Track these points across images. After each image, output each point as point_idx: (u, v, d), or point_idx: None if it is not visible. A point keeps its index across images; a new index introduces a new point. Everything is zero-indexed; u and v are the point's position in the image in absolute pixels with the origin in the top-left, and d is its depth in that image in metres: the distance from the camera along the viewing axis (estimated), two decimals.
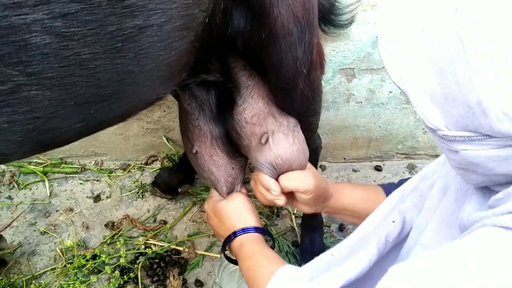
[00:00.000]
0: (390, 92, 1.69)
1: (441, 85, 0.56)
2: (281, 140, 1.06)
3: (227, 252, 1.11)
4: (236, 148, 1.14)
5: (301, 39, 0.90)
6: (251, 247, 1.00)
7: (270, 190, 1.07)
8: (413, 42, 0.59)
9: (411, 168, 1.90)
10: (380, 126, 1.81)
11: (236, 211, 1.09)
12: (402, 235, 0.96)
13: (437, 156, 1.82)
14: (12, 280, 1.39)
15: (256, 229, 1.06)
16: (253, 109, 1.05)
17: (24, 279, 1.41)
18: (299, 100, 1.03)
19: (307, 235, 1.55)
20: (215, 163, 1.13)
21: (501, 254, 0.55)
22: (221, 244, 1.09)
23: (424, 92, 0.59)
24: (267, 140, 1.06)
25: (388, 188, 1.13)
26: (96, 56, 0.66)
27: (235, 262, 1.10)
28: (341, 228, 1.64)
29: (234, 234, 1.05)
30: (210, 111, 1.09)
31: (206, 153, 1.12)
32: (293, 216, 1.66)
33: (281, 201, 1.08)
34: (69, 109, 0.70)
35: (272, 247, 1.07)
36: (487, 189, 0.70)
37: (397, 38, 0.61)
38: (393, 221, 0.95)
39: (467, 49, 0.52)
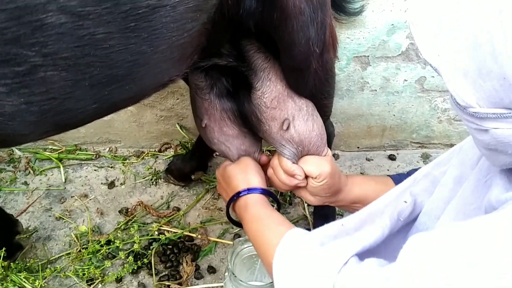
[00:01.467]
0: (405, 80, 1.67)
1: (476, 58, 0.55)
2: (302, 125, 1.06)
3: (232, 214, 1.11)
4: (247, 122, 1.13)
5: (313, 18, 0.90)
6: (257, 208, 1.00)
7: (295, 175, 1.07)
8: (447, 15, 0.58)
9: (426, 158, 1.88)
10: (394, 115, 1.79)
11: (242, 173, 1.09)
12: (412, 216, 0.96)
13: (452, 145, 1.79)
14: (28, 264, 1.41)
15: (261, 190, 1.06)
16: (272, 92, 1.05)
17: (40, 263, 1.43)
18: (312, 81, 1.03)
19: (319, 224, 1.54)
20: (225, 133, 1.12)
21: None
22: (226, 206, 1.09)
23: (457, 67, 0.58)
24: (288, 126, 1.05)
25: (398, 179, 1.13)
26: (111, 36, 0.66)
27: (238, 224, 1.09)
28: None
29: (238, 194, 1.05)
30: (223, 88, 1.08)
31: (215, 125, 1.11)
32: (305, 205, 1.66)
33: (304, 183, 1.09)
34: (84, 90, 0.70)
35: (278, 210, 1.07)
36: (511, 173, 0.69)
37: (430, 13, 0.60)
38: (405, 201, 0.95)
39: (505, 19, 0.51)
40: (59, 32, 0.62)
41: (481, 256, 0.56)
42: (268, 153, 1.80)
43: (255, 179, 1.08)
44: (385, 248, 0.85)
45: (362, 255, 0.75)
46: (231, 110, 1.10)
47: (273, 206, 1.08)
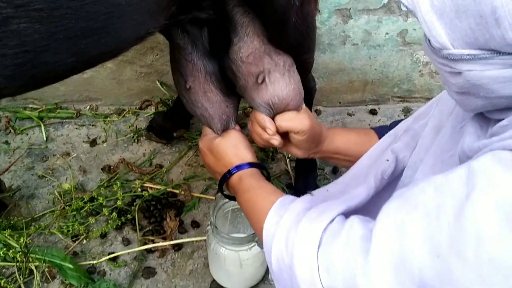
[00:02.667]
0: (387, 33, 1.66)
1: None
2: (278, 80, 1.06)
3: (225, 192, 1.12)
4: (229, 87, 1.13)
5: None
6: (249, 180, 1.01)
7: (265, 128, 1.08)
8: None
9: (407, 111, 1.90)
10: (376, 69, 1.79)
11: (233, 148, 1.09)
12: (395, 173, 0.98)
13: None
14: (12, 222, 1.42)
15: (252, 165, 1.07)
16: (249, 47, 1.04)
17: (24, 221, 1.44)
18: (292, 35, 1.02)
19: (301, 178, 1.57)
20: (209, 99, 1.11)
21: None
22: (217, 185, 1.11)
23: (433, 6, 0.58)
24: (263, 80, 1.05)
25: (380, 131, 1.14)
26: None
27: (232, 198, 1.11)
28: (335, 170, 1.66)
29: (230, 173, 1.06)
30: (203, 46, 1.06)
31: (200, 88, 1.10)
32: (287, 160, 1.67)
33: (276, 141, 1.09)
34: (59, 43, 0.69)
35: (268, 180, 1.08)
36: (484, 121, 0.70)
37: None
38: (387, 160, 0.97)
39: None
40: None
41: (453, 205, 0.58)
42: (251, 109, 1.80)
43: (247, 155, 1.09)
44: (372, 207, 0.88)
45: (348, 215, 0.77)
46: (214, 74, 1.09)
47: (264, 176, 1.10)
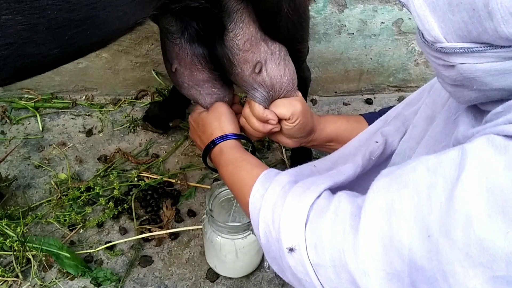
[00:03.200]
0: (382, 23, 1.66)
1: None
2: (274, 69, 1.06)
3: (209, 162, 1.12)
4: (217, 68, 1.12)
5: None
6: (232, 153, 1.01)
7: (268, 120, 1.08)
8: None
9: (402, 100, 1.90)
10: (371, 59, 1.79)
11: (216, 120, 1.10)
12: (384, 155, 0.98)
13: None
14: (9, 211, 1.42)
15: (235, 136, 1.07)
16: (245, 34, 1.03)
17: (21, 210, 1.44)
18: (285, 25, 1.02)
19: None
20: (196, 77, 1.11)
21: (506, 156, 0.55)
22: (202, 155, 1.10)
23: (426, 0, 0.59)
24: (260, 69, 1.05)
25: (370, 117, 1.15)
26: None
27: (217, 170, 1.11)
28: None
29: (213, 143, 1.06)
30: (193, 32, 1.06)
31: (186, 69, 1.10)
32: (283, 149, 1.68)
33: (278, 128, 1.10)
34: (42, 34, 0.69)
35: (253, 154, 1.09)
36: (478, 111, 0.71)
37: None
38: (376, 142, 0.97)
39: None
40: None
41: (444, 186, 0.58)
42: (245, 98, 1.80)
43: (230, 126, 1.09)
44: (359, 187, 0.88)
45: (335, 191, 0.77)
46: (202, 55, 1.08)
47: (247, 150, 1.10)
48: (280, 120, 1.10)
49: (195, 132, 1.15)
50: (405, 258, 0.60)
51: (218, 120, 1.10)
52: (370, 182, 0.70)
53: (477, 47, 0.58)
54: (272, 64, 1.05)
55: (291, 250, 0.71)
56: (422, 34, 0.64)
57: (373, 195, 0.66)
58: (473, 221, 0.54)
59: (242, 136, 1.09)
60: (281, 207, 0.76)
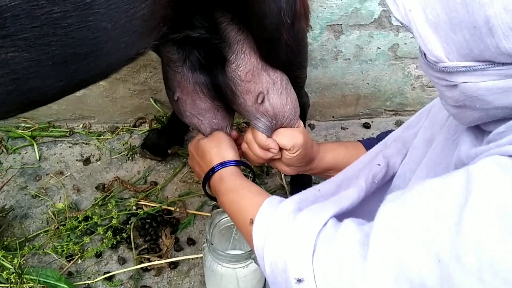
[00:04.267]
0: (378, 48, 1.68)
1: (447, 9, 0.57)
2: (276, 99, 1.07)
3: (208, 190, 1.11)
4: (222, 98, 1.13)
5: None
6: (232, 180, 1.00)
7: (270, 149, 1.08)
8: None
9: (399, 124, 1.90)
10: (368, 83, 1.81)
11: (215, 147, 1.09)
12: (386, 178, 0.98)
13: None
14: (5, 242, 1.40)
15: (235, 162, 1.06)
16: (247, 65, 1.04)
17: (17, 241, 1.42)
18: (284, 52, 1.03)
19: (296, 193, 1.56)
20: (198, 106, 1.11)
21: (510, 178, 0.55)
22: (201, 183, 1.10)
23: (427, 20, 0.59)
24: (263, 100, 1.06)
25: (368, 143, 1.16)
26: (68, 14, 0.66)
27: (216, 199, 1.10)
28: None
29: (213, 170, 1.05)
30: (195, 61, 1.07)
31: (188, 98, 1.10)
32: (282, 175, 1.67)
33: (279, 156, 1.11)
34: (48, 69, 0.70)
35: (253, 181, 1.08)
36: (478, 131, 0.71)
37: None
38: (379, 164, 0.97)
39: None
40: (14, 14, 0.61)
41: (452, 210, 0.58)
42: (245, 125, 1.81)
43: (229, 153, 1.09)
44: (362, 211, 0.87)
45: (340, 217, 0.76)
46: (204, 84, 1.09)
47: (248, 177, 1.09)
48: (281, 149, 1.10)
49: (194, 160, 1.15)
50: (416, 285, 0.59)
51: (218, 147, 1.10)
52: (373, 205, 0.70)
53: (479, 65, 0.58)
54: (274, 94, 1.06)
55: (299, 281, 0.70)
56: (425, 55, 0.64)
57: (380, 222, 0.65)
58: (485, 245, 0.53)
59: (242, 163, 1.09)
60: (286, 236, 0.75)
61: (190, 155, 1.18)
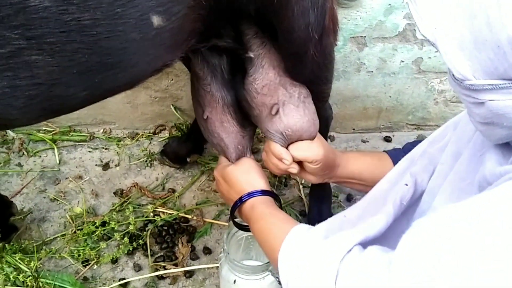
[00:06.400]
0: (402, 61, 1.66)
1: (472, 29, 0.57)
2: (292, 111, 1.07)
3: (237, 219, 1.11)
4: (246, 117, 1.14)
5: (314, 3, 0.89)
6: (261, 209, 1.01)
7: (282, 159, 1.08)
8: None
9: (421, 139, 1.88)
10: (390, 96, 1.78)
11: (245, 175, 1.09)
12: (414, 197, 0.96)
13: None
14: (23, 245, 1.41)
15: (264, 192, 1.06)
16: (264, 79, 1.05)
17: (35, 244, 1.43)
18: (310, 67, 1.02)
19: (314, 205, 1.55)
20: (226, 129, 1.13)
21: None
22: (230, 211, 1.10)
23: (453, 39, 0.60)
24: (277, 111, 1.06)
25: (394, 154, 1.14)
26: (97, 23, 0.65)
27: (243, 227, 1.11)
28: (349, 198, 1.64)
29: (241, 200, 1.05)
30: (222, 77, 1.08)
31: (217, 119, 1.12)
32: (301, 186, 1.66)
33: (294, 169, 1.10)
34: (72, 77, 0.69)
35: (279, 208, 1.07)
36: (506, 149, 0.70)
37: None
38: (406, 184, 0.96)
39: None
40: (43, 16, 0.61)
41: (480, 237, 0.56)
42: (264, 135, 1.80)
43: (259, 182, 1.09)
44: (390, 233, 0.86)
45: (366, 244, 0.76)
46: (232, 105, 1.10)
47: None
48: (301, 162, 1.09)
49: (222, 186, 1.15)
50: None
51: (248, 175, 1.10)
52: (401, 227, 0.68)
53: (505, 84, 0.58)
54: (290, 106, 1.06)
55: None
56: (452, 73, 0.64)
57: (403, 248, 0.65)
58: (506, 269, 0.53)
59: (270, 193, 1.08)
60: (310, 264, 0.75)
61: (216, 180, 1.18)
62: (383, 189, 0.99)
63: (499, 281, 0.53)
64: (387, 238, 0.80)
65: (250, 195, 1.06)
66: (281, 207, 1.09)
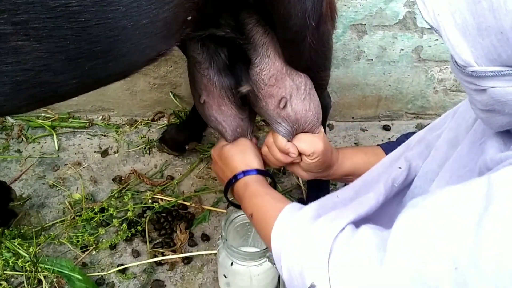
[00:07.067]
0: (402, 49, 1.66)
1: (475, 14, 0.57)
2: (299, 105, 1.07)
3: (229, 195, 1.12)
4: (245, 102, 1.13)
5: None
6: (255, 187, 1.01)
7: (289, 153, 1.09)
8: None
9: (420, 128, 1.87)
10: (390, 85, 1.78)
11: (240, 154, 1.10)
12: (407, 181, 0.97)
13: None
14: (22, 231, 1.42)
15: (258, 171, 1.07)
16: (271, 69, 1.04)
17: (34, 230, 1.43)
18: (307, 54, 1.01)
19: (313, 193, 1.55)
20: (223, 113, 1.12)
21: None
22: (223, 189, 1.11)
23: (456, 25, 0.60)
24: (285, 105, 1.05)
25: (388, 147, 1.15)
26: (85, 9, 0.64)
27: (237, 205, 1.12)
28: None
29: (235, 178, 1.06)
30: (220, 62, 1.06)
31: (214, 103, 1.11)
32: None
33: (298, 160, 1.11)
34: (60, 64, 0.68)
35: (274, 188, 1.08)
36: (507, 136, 0.70)
37: None
38: (400, 167, 0.96)
39: None
40: (28, 2, 0.60)
41: (471, 217, 0.56)
42: (263, 123, 1.80)
43: (254, 160, 1.10)
44: (381, 214, 0.87)
45: (359, 223, 0.76)
46: (229, 89, 1.09)
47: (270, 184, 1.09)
48: (300, 154, 1.10)
49: (218, 166, 1.16)
50: None
51: (243, 154, 1.11)
52: (392, 207, 0.69)
53: (507, 70, 0.58)
54: (297, 99, 1.05)
55: (314, 284, 0.70)
56: (455, 59, 0.64)
57: (399, 227, 0.65)
58: (503, 253, 0.52)
59: (264, 172, 1.09)
60: (304, 241, 0.76)
61: (213, 160, 1.19)
62: (377, 172, 1.00)
63: (496, 266, 0.53)
64: (380, 217, 0.80)
65: (245, 173, 1.06)
66: (275, 188, 1.10)
